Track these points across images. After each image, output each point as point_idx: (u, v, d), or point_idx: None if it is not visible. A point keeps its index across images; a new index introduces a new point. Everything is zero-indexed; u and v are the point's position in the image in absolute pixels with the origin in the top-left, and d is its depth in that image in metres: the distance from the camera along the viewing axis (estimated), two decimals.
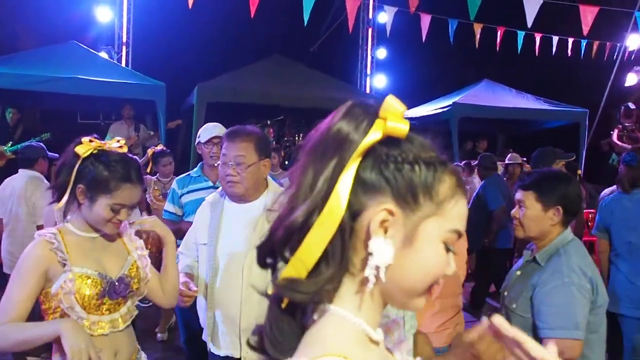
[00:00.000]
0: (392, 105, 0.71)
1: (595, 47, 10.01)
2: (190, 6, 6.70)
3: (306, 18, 7.15)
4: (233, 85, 8.19)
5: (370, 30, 10.87)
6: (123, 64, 9.19)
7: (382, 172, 0.71)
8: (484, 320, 0.92)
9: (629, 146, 8.69)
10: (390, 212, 0.70)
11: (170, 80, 7.64)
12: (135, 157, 1.92)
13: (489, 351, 0.96)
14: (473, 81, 10.16)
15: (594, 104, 10.01)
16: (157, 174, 5.09)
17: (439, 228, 0.73)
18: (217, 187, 3.40)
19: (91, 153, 1.77)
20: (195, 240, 2.45)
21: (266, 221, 2.22)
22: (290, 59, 9.50)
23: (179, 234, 3.38)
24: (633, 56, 10.66)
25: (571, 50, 9.87)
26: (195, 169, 3.55)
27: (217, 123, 3.63)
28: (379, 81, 10.95)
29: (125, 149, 1.86)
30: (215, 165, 3.44)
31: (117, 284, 1.83)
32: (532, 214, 2.09)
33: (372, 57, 10.98)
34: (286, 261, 0.71)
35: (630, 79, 10.70)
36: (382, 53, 11.00)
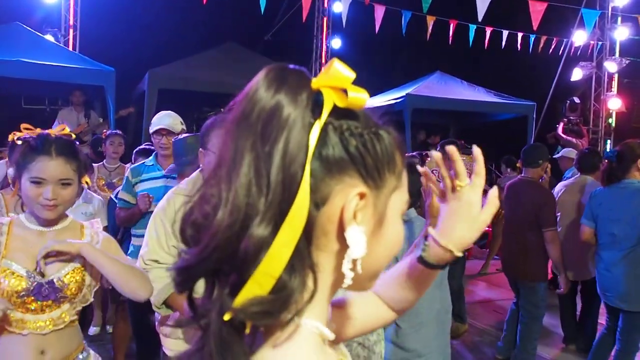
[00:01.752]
0: (341, 72, 0.60)
1: (542, 42, 10.34)
2: None
3: (263, 6, 7.08)
4: (186, 72, 8.05)
5: (325, 19, 10.86)
6: (70, 48, 8.85)
7: (347, 149, 0.60)
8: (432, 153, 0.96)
9: (574, 139, 9.06)
10: (363, 196, 0.60)
11: (120, 65, 7.41)
12: (83, 143, 1.88)
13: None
14: (426, 73, 10.33)
15: (541, 97, 10.36)
16: (105, 160, 4.95)
17: (401, 201, 0.67)
18: (170, 177, 3.38)
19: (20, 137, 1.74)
20: (175, 243, 2.10)
21: None
22: (245, 47, 9.40)
23: (132, 220, 3.40)
24: (579, 52, 11.09)
25: (520, 45, 10.17)
26: (150, 158, 3.57)
27: (170, 112, 3.62)
28: None
29: (71, 135, 1.82)
30: (166, 155, 3.46)
31: (44, 286, 1.75)
32: None
33: (327, 47, 10.99)
34: (245, 279, 0.56)
35: (576, 74, 11.14)
36: (337, 43, 11.03)
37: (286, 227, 0.55)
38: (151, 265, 2.11)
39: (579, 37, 10.63)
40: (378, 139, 0.62)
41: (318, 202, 0.59)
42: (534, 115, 10.00)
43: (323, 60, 10.88)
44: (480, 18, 8.09)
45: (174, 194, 2.20)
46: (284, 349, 0.60)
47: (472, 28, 9.47)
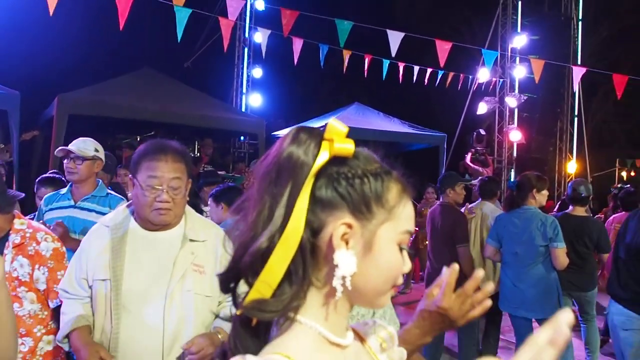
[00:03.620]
0: (335, 127, 0.77)
1: (450, 78, 11.01)
2: (51, 13, 6.18)
3: (180, 33, 6.99)
4: (99, 97, 7.72)
5: (246, 49, 10.92)
6: None
7: (336, 190, 0.76)
8: (444, 270, 1.09)
9: (480, 168, 9.66)
10: (349, 226, 0.75)
11: (26, 89, 7.00)
12: None
13: (454, 306, 1.09)
14: (344, 103, 10.64)
15: (451, 128, 10.98)
16: None
17: (394, 231, 0.79)
18: (78, 207, 3.26)
19: None
20: (86, 275, 1.94)
21: (189, 253, 1.92)
22: (163, 73, 9.22)
23: None
24: (483, 87, 11.92)
25: (428, 80, 10.76)
26: (67, 187, 3.41)
27: (88, 138, 3.46)
28: (255, 100, 11.02)
29: None
30: (75, 181, 3.28)
31: None
32: None
33: (248, 76, 11.03)
34: (251, 285, 0.74)
35: (481, 108, 11.94)
36: (257, 72, 11.10)
37: (280, 247, 0.72)
38: (62, 296, 2.03)
39: (483, 75, 11.45)
40: (364, 181, 0.77)
41: (315, 230, 0.75)
42: (445, 146, 10.56)
43: (244, 90, 10.89)
44: (393, 54, 8.49)
45: (96, 224, 2.08)
46: (283, 339, 0.75)
47: (386, 63, 9.91)
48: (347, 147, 0.76)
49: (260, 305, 0.73)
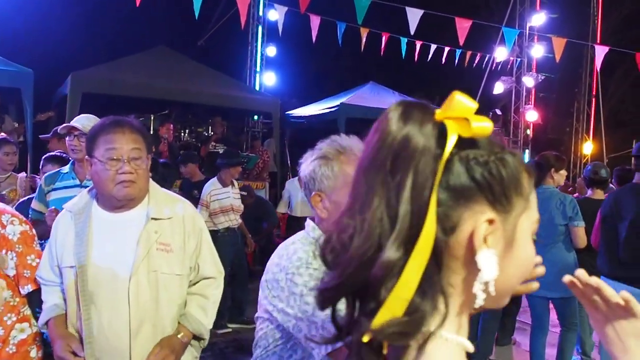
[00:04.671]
0: (464, 104, 0.64)
1: (468, 57, 10.82)
2: None
3: (197, 11, 6.88)
4: (112, 75, 7.67)
5: (260, 27, 10.77)
6: None
7: (473, 178, 0.63)
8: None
9: None
10: (491, 221, 0.63)
11: (39, 67, 6.95)
12: None
13: None
14: (360, 83, 10.50)
15: None
16: None
17: (529, 221, 0.69)
18: (85, 186, 3.06)
19: None
20: (57, 262, 1.92)
21: (152, 232, 1.88)
22: (177, 51, 9.12)
23: (45, 235, 3.08)
24: (500, 67, 11.71)
25: (446, 59, 10.59)
26: (68, 165, 3.27)
27: (90, 115, 3.35)
28: (269, 79, 10.91)
29: None
30: (78, 159, 3.14)
31: None
32: None
33: (262, 55, 10.90)
34: (380, 302, 0.60)
35: (498, 88, 11.76)
36: (272, 51, 10.96)
37: (415, 253, 0.59)
38: (40, 282, 2.02)
39: (500, 54, 11.24)
40: (503, 164, 0.65)
41: (447, 229, 0.63)
42: None
43: (257, 68, 10.77)
44: (412, 32, 8.33)
45: (62, 210, 2.03)
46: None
47: (404, 41, 9.74)
48: (486, 126, 0.64)
49: (398, 326, 0.59)
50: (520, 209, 0.67)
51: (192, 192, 5.51)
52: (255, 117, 10.50)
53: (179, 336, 1.92)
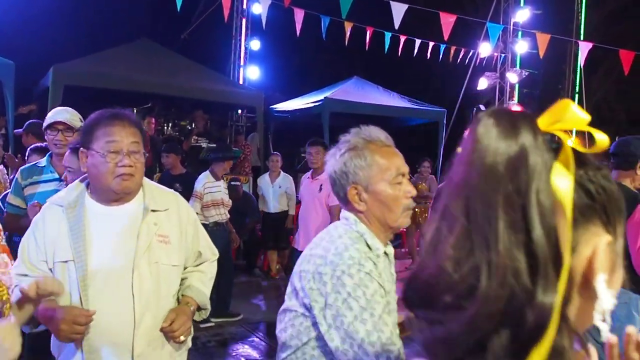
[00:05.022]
0: (579, 115, 0.57)
1: (452, 52, 10.87)
2: None
3: (179, 3, 6.84)
4: (95, 68, 7.60)
5: (244, 20, 10.72)
6: None
7: (592, 196, 0.58)
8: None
9: None
10: (610, 244, 0.58)
11: (21, 59, 6.88)
12: None
13: None
14: (343, 77, 10.51)
15: (451, 104, 10.89)
16: None
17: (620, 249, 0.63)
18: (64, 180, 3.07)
19: None
20: (45, 258, 1.86)
21: (152, 224, 1.88)
22: (160, 44, 9.06)
23: (22, 229, 3.03)
24: (484, 62, 11.78)
25: (430, 54, 10.62)
26: (44, 158, 3.20)
27: (67, 107, 3.30)
28: (252, 72, 10.87)
29: None
30: (62, 154, 3.05)
31: None
32: None
33: (246, 48, 10.85)
34: (528, 348, 0.52)
35: (482, 83, 11.83)
36: (255, 44, 10.92)
37: (559, 287, 0.52)
38: (20, 281, 1.84)
39: (485, 49, 11.30)
40: (611, 183, 0.60)
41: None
42: (444, 121, 10.48)
43: (241, 62, 10.73)
44: (396, 26, 8.35)
45: (47, 204, 1.95)
46: None
47: (388, 35, 9.75)
48: (604, 139, 0.58)
49: None
50: (622, 231, 0.62)
51: (173, 185, 5.50)
52: (239, 111, 10.48)
53: (190, 307, 1.96)
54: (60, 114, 3.18)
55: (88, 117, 1.98)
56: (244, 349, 4.91)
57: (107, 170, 1.81)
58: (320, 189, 4.74)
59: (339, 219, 1.58)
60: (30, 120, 4.98)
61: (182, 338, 1.87)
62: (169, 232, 1.93)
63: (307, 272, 1.43)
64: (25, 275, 1.85)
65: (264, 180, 6.87)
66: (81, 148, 1.89)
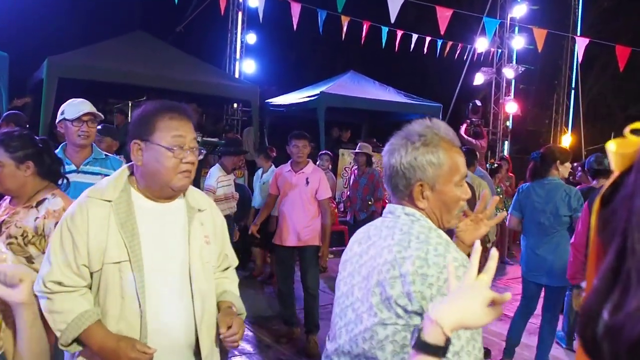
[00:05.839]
0: None
1: (448, 47, 10.85)
2: None
3: None
4: (89, 60, 7.55)
5: (240, 13, 10.66)
6: None
7: None
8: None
9: (473, 140, 9.61)
10: None
11: (15, 51, 6.82)
12: None
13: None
14: (340, 71, 10.48)
15: (447, 99, 10.89)
16: None
17: None
18: (82, 172, 3.09)
19: None
20: (87, 260, 1.68)
21: (199, 224, 1.83)
22: (155, 37, 9.01)
23: None
24: (482, 58, 11.78)
25: (427, 49, 10.60)
26: (57, 150, 3.12)
27: (83, 99, 3.26)
28: (248, 66, 10.83)
29: None
30: (80, 144, 3.09)
31: None
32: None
33: (242, 42, 10.80)
34: None
35: (478, 79, 11.84)
36: (252, 38, 10.87)
37: None
38: (52, 290, 1.66)
39: (481, 44, 11.30)
40: None
41: None
42: (440, 116, 10.48)
43: (237, 56, 10.68)
44: (392, 20, 8.32)
45: (87, 199, 1.74)
46: None
47: (385, 30, 9.72)
48: None
49: None
50: None
51: None
52: (235, 105, 10.44)
53: (236, 312, 1.88)
54: (83, 105, 3.15)
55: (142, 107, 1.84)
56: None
57: (172, 166, 1.70)
58: (307, 183, 4.54)
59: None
60: (8, 112, 4.93)
61: (240, 343, 1.81)
62: (210, 232, 1.89)
63: (406, 275, 1.32)
64: (61, 284, 1.67)
65: (256, 175, 6.81)
66: (134, 140, 1.74)
